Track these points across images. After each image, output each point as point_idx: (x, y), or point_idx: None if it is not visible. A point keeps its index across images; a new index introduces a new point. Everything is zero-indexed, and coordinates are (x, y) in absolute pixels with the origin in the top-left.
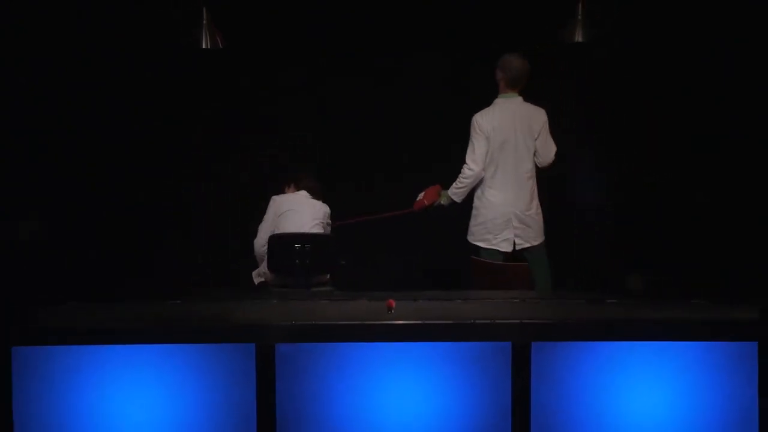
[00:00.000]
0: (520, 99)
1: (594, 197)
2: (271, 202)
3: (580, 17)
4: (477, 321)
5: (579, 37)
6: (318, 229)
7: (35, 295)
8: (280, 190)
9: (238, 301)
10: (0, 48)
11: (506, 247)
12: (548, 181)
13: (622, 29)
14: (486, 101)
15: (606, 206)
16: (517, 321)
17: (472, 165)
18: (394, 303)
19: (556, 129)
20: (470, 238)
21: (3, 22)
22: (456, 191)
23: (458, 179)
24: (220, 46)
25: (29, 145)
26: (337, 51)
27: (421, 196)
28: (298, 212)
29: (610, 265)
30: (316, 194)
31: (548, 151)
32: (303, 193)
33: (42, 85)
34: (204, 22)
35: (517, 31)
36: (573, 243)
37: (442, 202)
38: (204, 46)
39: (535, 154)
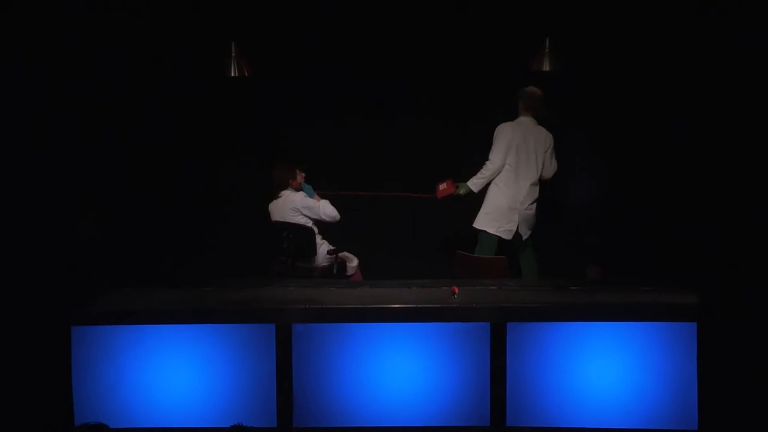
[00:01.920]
0: (534, 121)
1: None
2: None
3: (547, 49)
4: (461, 305)
5: (546, 67)
6: (296, 217)
7: (90, 283)
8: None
9: (261, 288)
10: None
11: (507, 236)
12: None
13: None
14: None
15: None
16: (495, 305)
17: (495, 159)
18: (457, 289)
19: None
20: (477, 224)
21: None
22: (476, 182)
23: (480, 172)
24: (246, 75)
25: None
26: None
27: (443, 186)
28: (280, 208)
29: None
30: (291, 179)
31: (552, 168)
32: (284, 193)
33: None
34: (233, 54)
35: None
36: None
37: (461, 192)
38: (232, 75)
39: (543, 168)
